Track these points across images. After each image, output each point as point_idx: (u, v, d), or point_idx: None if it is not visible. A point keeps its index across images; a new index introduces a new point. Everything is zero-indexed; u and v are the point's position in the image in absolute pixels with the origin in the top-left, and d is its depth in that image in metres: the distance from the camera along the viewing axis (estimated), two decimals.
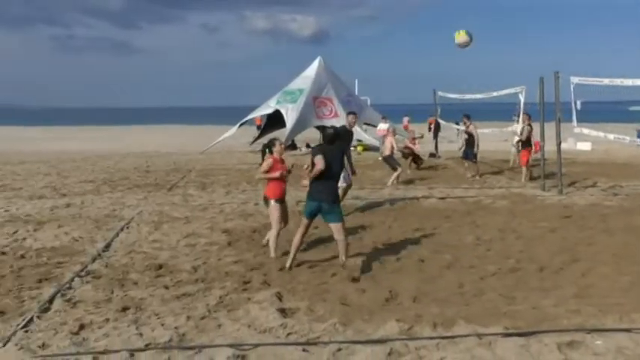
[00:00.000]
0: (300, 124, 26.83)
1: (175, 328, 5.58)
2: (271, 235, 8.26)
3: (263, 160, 8.57)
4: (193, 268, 7.73)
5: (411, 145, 18.66)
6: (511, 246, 8.73)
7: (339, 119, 27.51)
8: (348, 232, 9.54)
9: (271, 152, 8.31)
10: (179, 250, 8.70)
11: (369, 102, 34.76)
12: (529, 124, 15.83)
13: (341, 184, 11.75)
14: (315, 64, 28.89)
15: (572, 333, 5.27)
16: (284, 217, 8.40)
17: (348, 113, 11.41)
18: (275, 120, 28.25)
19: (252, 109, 29.99)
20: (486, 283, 6.98)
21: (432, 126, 27.33)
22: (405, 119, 39.90)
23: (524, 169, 16.11)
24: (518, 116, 17.72)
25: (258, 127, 30.38)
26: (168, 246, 8.98)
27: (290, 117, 26.73)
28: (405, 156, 18.29)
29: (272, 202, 8.22)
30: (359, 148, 25.49)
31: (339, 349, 5.07)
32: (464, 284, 6.93)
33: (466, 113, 16.87)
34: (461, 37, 8.94)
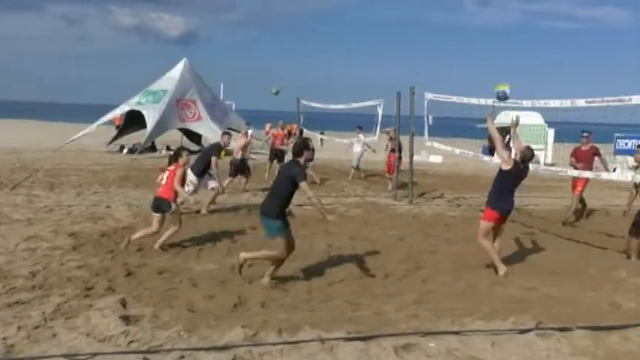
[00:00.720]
0: (162, 126, 26.18)
1: (3, 339, 5.19)
2: (167, 235, 8.71)
3: (169, 165, 8.98)
4: (31, 273, 7.25)
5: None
6: (360, 253, 9.01)
7: (201, 122, 27.21)
8: (202, 238, 9.46)
9: (177, 160, 8.89)
10: (17, 255, 8.12)
11: (233, 107, 34.57)
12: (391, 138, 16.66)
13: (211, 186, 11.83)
14: (180, 66, 28.36)
15: (409, 336, 5.53)
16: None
17: (223, 133, 13.01)
18: (135, 120, 27.34)
19: (113, 107, 28.86)
20: (334, 290, 7.17)
21: (295, 132, 27.69)
22: (267, 125, 40.06)
23: (390, 175, 16.93)
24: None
25: (117, 127, 29.21)
26: (5, 250, 8.35)
27: (151, 118, 26.00)
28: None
29: (174, 205, 8.69)
30: (221, 153, 25.23)
31: (182, 357, 4.98)
32: (312, 290, 7.08)
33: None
34: (502, 87, 9.73)
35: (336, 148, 30.79)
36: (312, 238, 9.98)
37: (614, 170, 22.22)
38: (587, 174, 10.65)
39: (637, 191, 13.62)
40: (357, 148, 19.50)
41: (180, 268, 7.79)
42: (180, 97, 27.47)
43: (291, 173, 7.03)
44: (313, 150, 7.74)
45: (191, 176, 11.20)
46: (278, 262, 7.21)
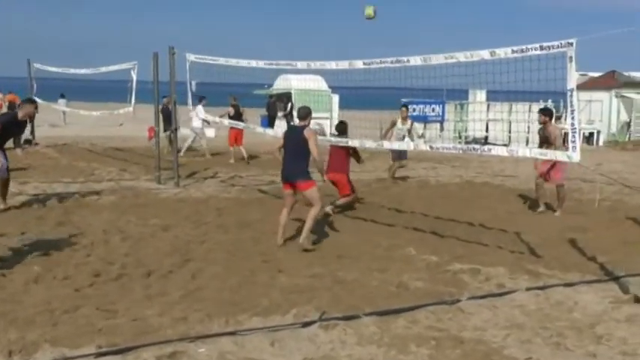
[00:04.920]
0: None
1: None
2: None
3: None
4: None
5: None
6: (116, 249, 8.83)
7: None
8: None
9: None
10: None
11: None
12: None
13: None
14: None
15: (175, 343, 5.54)
16: None
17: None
18: None
19: None
20: (82, 296, 6.91)
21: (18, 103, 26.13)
22: None
23: (236, 149, 19.25)
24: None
25: None
26: None
27: None
28: None
29: None
30: None
31: None
32: (54, 299, 6.75)
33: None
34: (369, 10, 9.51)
35: (82, 123, 29.57)
36: (53, 232, 9.54)
37: (403, 138, 24.22)
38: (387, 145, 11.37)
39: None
40: (197, 123, 19.84)
41: None
42: None
43: None
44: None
45: None
46: None
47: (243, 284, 7.40)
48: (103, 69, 18.18)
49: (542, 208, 12.02)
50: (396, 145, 11.75)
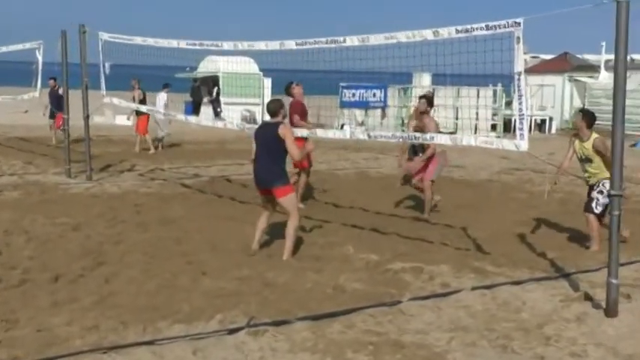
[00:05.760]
0: None
1: None
2: None
3: None
4: None
5: None
6: (19, 252, 8.70)
7: None
8: None
9: None
10: None
11: None
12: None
13: None
14: None
15: (86, 355, 5.49)
16: None
17: None
18: None
19: None
20: None
21: None
22: None
23: (141, 137, 19.75)
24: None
25: None
26: None
27: None
28: None
29: None
30: None
31: None
32: None
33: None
34: None
35: None
36: None
37: (342, 127, 24.35)
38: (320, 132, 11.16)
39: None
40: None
41: None
42: None
43: None
44: None
45: None
46: None
47: (163, 288, 7.36)
48: (4, 48, 17.78)
49: (437, 197, 11.84)
50: (331, 134, 11.74)
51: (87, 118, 14.46)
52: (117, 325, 6.21)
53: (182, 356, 5.60)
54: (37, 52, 15.85)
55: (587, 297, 7.20)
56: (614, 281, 6.69)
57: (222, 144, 22.38)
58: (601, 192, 9.09)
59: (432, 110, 11.76)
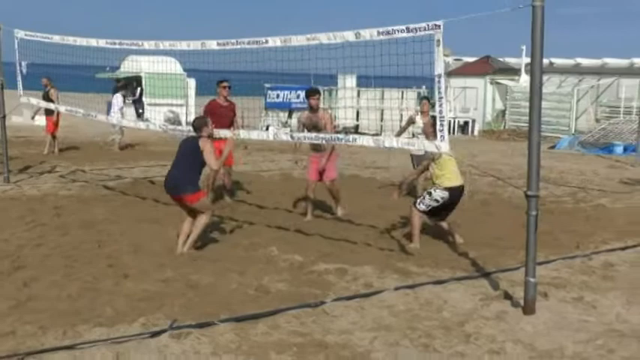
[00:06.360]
0: None
1: None
2: None
3: None
4: None
5: None
6: None
7: None
8: None
9: None
10: None
11: None
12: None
13: None
14: None
15: None
16: None
17: None
18: None
19: None
20: None
21: None
22: None
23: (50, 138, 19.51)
24: None
25: None
26: None
27: None
28: None
29: None
30: None
31: None
32: None
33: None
34: None
35: None
36: None
37: (267, 128, 24.34)
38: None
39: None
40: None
41: None
42: None
43: None
44: None
45: None
46: None
47: (85, 292, 7.28)
48: None
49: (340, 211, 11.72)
50: (255, 135, 11.73)
51: (3, 118, 14.13)
52: (35, 331, 6.12)
53: None
54: None
55: (507, 295, 7.38)
56: (531, 280, 6.88)
57: (145, 145, 22.14)
58: (429, 193, 9.45)
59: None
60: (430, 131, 10.83)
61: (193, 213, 9.00)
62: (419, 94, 28.53)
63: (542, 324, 6.64)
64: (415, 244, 9.48)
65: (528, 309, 6.87)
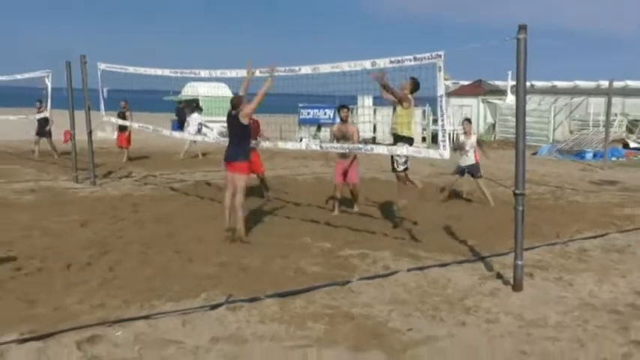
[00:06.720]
0: None
1: None
2: None
3: None
4: None
5: None
6: (36, 244, 8.57)
7: None
8: None
9: None
10: None
11: None
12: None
13: None
14: None
15: (94, 328, 5.47)
16: None
17: None
18: None
19: None
20: (3, 289, 6.69)
21: None
22: None
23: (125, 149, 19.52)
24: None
25: None
26: None
27: None
28: None
29: None
30: None
31: None
32: None
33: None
34: None
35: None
36: None
37: (301, 140, 24.34)
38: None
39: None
40: (192, 129, 20.76)
41: None
42: None
43: None
44: None
45: None
46: None
47: (158, 273, 7.35)
48: (19, 76, 17.46)
49: (356, 208, 11.60)
50: (290, 145, 11.74)
51: (90, 133, 14.29)
52: (120, 304, 6.20)
53: (173, 328, 5.60)
54: (46, 79, 15.61)
55: (499, 275, 7.35)
56: (519, 263, 6.85)
57: (203, 154, 22.24)
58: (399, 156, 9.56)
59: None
60: (477, 147, 11.24)
61: (234, 188, 9.04)
62: (424, 111, 28.48)
63: (529, 299, 6.60)
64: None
65: (517, 286, 6.84)
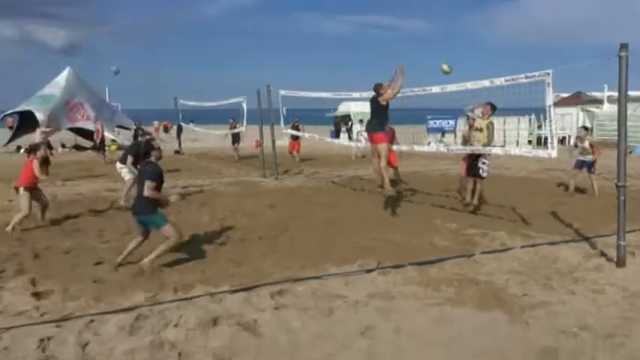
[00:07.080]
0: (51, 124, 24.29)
1: None
2: (17, 217, 8.29)
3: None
4: None
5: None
6: (239, 221, 9.00)
7: (90, 122, 25.59)
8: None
9: (34, 153, 8.54)
10: None
11: (119, 107, 32.69)
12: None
13: None
14: (64, 73, 26.53)
15: (282, 284, 5.68)
16: (32, 205, 8.47)
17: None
18: (28, 123, 25.04)
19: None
20: (219, 252, 7.13)
21: (175, 127, 26.89)
22: (155, 122, 38.54)
23: (295, 154, 19.58)
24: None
25: (10, 128, 26.55)
26: None
27: (40, 118, 24.05)
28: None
29: (22, 189, 8.36)
30: (112, 147, 23.78)
31: (91, 321, 4.77)
32: (201, 254, 6.99)
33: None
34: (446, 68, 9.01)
35: (210, 139, 30.14)
36: (198, 212, 9.82)
37: (429, 144, 23.80)
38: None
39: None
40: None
41: (85, 246, 7.37)
42: (69, 99, 25.69)
43: (146, 172, 6.32)
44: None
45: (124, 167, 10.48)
46: (175, 245, 6.42)
47: (324, 244, 7.48)
48: (224, 102, 18.51)
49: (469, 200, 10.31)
50: (420, 148, 11.48)
51: (274, 142, 14.86)
52: (299, 267, 6.37)
53: (339, 286, 5.68)
54: (242, 103, 16.42)
55: (603, 254, 6.75)
56: (622, 243, 6.26)
57: (363, 156, 22.15)
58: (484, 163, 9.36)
59: None
60: (592, 151, 10.51)
61: (378, 155, 9.02)
62: (529, 119, 26.81)
63: (632, 274, 6.01)
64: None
65: (620, 263, 6.26)
